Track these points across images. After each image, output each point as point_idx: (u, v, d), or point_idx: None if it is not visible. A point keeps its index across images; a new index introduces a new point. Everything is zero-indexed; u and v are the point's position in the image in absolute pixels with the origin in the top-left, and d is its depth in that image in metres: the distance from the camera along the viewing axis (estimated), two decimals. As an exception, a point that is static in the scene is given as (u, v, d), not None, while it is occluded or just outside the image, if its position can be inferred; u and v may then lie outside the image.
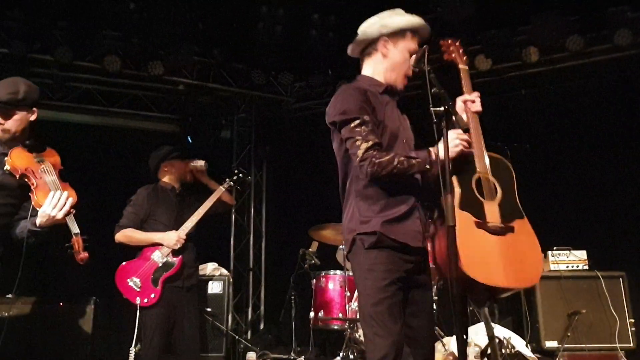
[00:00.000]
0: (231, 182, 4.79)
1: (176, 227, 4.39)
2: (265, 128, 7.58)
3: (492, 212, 2.65)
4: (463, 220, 2.57)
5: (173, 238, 4.31)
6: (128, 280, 4.25)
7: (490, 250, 2.55)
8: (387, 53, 2.73)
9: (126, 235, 4.35)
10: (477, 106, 2.80)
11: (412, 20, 2.75)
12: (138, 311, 4.17)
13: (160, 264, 4.28)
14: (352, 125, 2.55)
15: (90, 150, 6.88)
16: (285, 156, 7.54)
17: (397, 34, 2.72)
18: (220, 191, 4.63)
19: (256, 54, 6.89)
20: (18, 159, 3.00)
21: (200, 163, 4.64)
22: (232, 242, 7.40)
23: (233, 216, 7.39)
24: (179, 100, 7.13)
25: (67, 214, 2.89)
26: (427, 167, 2.56)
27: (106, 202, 6.37)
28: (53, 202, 2.88)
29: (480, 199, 2.67)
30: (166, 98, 7.23)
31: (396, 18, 2.73)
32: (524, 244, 2.62)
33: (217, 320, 5.41)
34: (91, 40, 6.34)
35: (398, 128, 2.72)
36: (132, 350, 4.17)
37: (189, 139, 7.13)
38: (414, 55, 2.72)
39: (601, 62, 6.22)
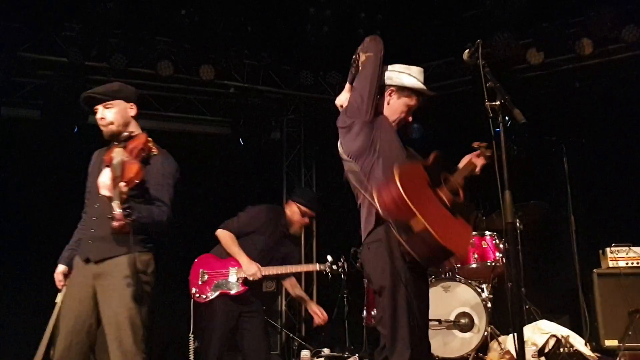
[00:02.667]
0: (327, 269, 4.73)
1: (260, 260, 4.44)
2: (314, 128, 7.64)
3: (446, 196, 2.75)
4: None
5: (252, 271, 4.34)
6: (201, 269, 4.44)
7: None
8: (389, 101, 3.05)
9: (226, 237, 4.45)
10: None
11: (417, 84, 3.02)
12: (192, 300, 4.36)
13: (228, 279, 4.39)
14: None
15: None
16: (334, 156, 7.56)
17: (402, 90, 3.03)
18: (313, 267, 4.78)
19: (304, 55, 6.96)
20: (108, 155, 3.00)
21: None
22: (283, 241, 7.48)
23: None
24: (230, 103, 7.25)
25: (120, 191, 2.79)
26: None
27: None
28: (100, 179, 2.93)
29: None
30: (218, 101, 7.37)
31: (405, 77, 3.03)
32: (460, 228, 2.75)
33: (271, 319, 5.49)
34: (145, 47, 6.54)
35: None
36: (192, 336, 4.33)
37: (241, 141, 7.25)
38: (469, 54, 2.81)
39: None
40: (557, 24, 6.21)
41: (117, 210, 2.73)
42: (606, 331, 4.88)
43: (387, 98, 3.04)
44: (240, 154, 7.34)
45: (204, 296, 4.36)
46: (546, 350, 4.61)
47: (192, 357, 4.33)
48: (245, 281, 4.38)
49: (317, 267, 4.71)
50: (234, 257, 4.43)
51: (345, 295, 5.99)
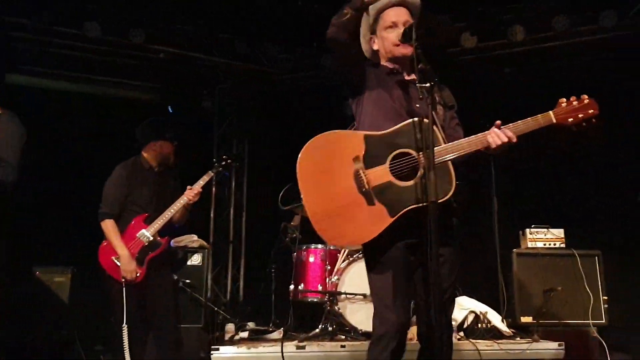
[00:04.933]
0: (220, 168, 4.71)
1: (154, 210, 4.32)
2: (248, 99, 7.50)
3: (378, 176, 2.55)
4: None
5: (129, 268, 4.13)
6: (113, 257, 4.18)
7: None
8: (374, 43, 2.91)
9: (106, 228, 4.23)
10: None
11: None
12: (124, 289, 4.10)
13: (147, 243, 4.23)
14: None
15: (69, 118, 6.76)
16: (268, 128, 7.48)
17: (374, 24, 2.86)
18: (207, 176, 4.55)
19: (241, 24, 6.78)
20: None
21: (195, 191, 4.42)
22: (212, 214, 7.36)
23: (213, 189, 7.34)
24: (160, 69, 7.00)
25: None
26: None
27: (85, 171, 6.31)
28: None
29: (382, 166, 2.56)
30: (147, 66, 7.08)
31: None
32: (365, 217, 2.52)
33: (195, 292, 5.40)
34: (71, 5, 6.19)
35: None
36: (125, 327, 4.08)
37: (170, 109, 7.03)
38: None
39: (586, 42, 6.23)
40: (492, 9, 6.32)
41: None
42: (522, 308, 5.08)
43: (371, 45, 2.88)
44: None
45: (137, 274, 4.16)
46: (465, 325, 4.76)
47: (127, 343, 4.07)
48: (161, 233, 4.28)
49: (210, 174, 4.59)
50: (137, 221, 4.28)
51: (273, 270, 5.98)
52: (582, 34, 6.19)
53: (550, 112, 2.61)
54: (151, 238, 4.24)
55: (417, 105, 2.69)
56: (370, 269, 2.66)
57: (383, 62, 2.86)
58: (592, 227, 5.85)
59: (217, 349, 4.38)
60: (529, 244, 5.34)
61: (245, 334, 5.27)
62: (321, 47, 6.81)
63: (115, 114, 6.93)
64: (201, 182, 4.46)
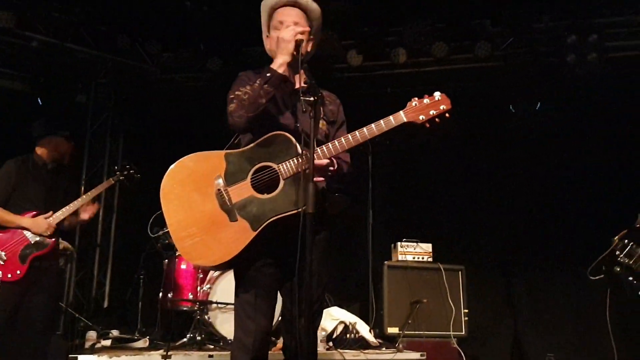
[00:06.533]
0: (121, 177, 4.62)
1: (45, 207, 4.16)
2: (126, 97, 7.15)
3: (240, 192, 2.51)
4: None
5: (42, 226, 4.06)
6: None
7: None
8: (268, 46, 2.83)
9: None
10: None
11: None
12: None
13: (32, 242, 4.06)
14: None
15: None
16: (145, 128, 7.18)
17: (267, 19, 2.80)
18: (107, 183, 4.58)
19: (123, 18, 6.49)
20: None
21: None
22: (79, 215, 6.92)
23: (82, 187, 6.91)
24: (32, 57, 6.51)
25: None
26: (268, 75, 2.52)
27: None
28: None
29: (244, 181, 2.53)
30: (17, 54, 6.56)
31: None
32: (229, 234, 2.49)
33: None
34: None
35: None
36: None
37: (39, 100, 6.55)
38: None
39: (462, 70, 6.61)
40: (378, 30, 6.53)
41: None
42: (390, 319, 5.23)
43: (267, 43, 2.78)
44: (37, 114, 6.63)
45: (18, 272, 3.97)
46: (334, 335, 4.83)
47: None
48: (51, 234, 4.12)
49: (110, 181, 4.63)
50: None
51: (141, 276, 5.74)
52: (458, 61, 6.57)
53: (401, 111, 2.59)
54: (37, 237, 4.08)
55: (299, 118, 2.66)
56: (237, 282, 2.64)
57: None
58: (457, 243, 6.18)
59: (75, 358, 4.12)
60: (400, 257, 5.53)
61: (107, 342, 4.99)
62: (207, 50, 6.69)
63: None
64: (100, 188, 4.51)
